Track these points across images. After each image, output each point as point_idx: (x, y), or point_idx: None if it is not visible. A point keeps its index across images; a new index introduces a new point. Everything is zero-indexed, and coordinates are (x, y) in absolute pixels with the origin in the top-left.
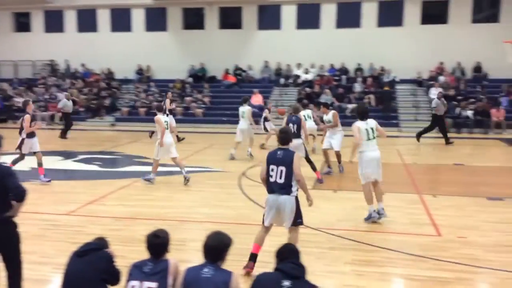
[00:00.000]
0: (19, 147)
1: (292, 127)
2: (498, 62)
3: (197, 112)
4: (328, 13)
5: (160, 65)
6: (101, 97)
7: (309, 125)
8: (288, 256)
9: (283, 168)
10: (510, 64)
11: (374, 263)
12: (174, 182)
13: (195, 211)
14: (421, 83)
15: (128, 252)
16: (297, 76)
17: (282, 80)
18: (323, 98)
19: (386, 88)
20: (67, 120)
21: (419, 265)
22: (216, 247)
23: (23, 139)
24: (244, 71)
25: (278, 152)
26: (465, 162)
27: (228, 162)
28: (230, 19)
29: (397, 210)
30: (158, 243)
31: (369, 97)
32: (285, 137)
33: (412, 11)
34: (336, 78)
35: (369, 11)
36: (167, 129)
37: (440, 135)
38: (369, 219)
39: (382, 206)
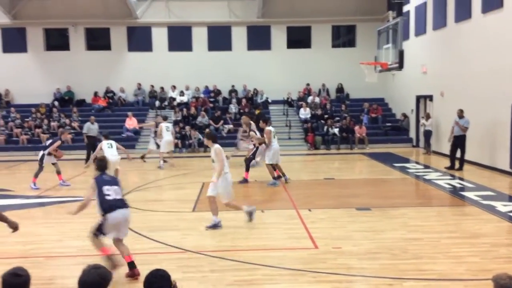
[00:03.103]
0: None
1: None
2: (357, 83)
3: (66, 138)
4: (200, 36)
5: (21, 89)
6: None
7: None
8: (161, 283)
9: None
10: (367, 85)
11: (255, 281)
12: (36, 215)
13: (65, 244)
14: (291, 104)
15: None
16: (173, 99)
17: (157, 103)
18: (199, 120)
19: (258, 111)
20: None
21: (298, 279)
22: (96, 283)
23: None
24: (114, 94)
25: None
26: (335, 176)
27: None
28: (98, 40)
29: (276, 226)
30: (19, 283)
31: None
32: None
33: (278, 35)
34: (211, 99)
35: (239, 35)
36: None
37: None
38: (214, 227)
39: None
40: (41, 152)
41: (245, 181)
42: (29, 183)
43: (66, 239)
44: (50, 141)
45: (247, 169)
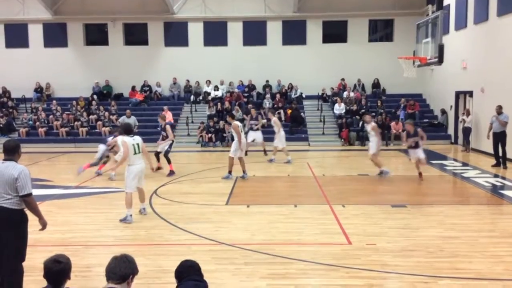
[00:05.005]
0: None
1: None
2: (394, 78)
3: (104, 131)
4: (235, 30)
5: (61, 82)
6: None
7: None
8: (188, 273)
9: None
10: (405, 80)
11: (289, 275)
12: (75, 205)
13: (102, 234)
14: (326, 99)
15: (26, 283)
16: (207, 93)
17: (192, 97)
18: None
19: (290, 111)
20: None
21: (331, 274)
22: (124, 273)
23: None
24: (151, 88)
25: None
26: (369, 173)
27: None
28: (136, 35)
29: (309, 221)
30: (59, 269)
31: (279, 112)
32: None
33: (314, 30)
34: (246, 94)
35: (274, 30)
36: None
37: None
38: (124, 220)
39: (144, 207)
40: (102, 146)
41: (172, 173)
42: (77, 168)
43: (103, 229)
44: (111, 137)
45: (169, 161)
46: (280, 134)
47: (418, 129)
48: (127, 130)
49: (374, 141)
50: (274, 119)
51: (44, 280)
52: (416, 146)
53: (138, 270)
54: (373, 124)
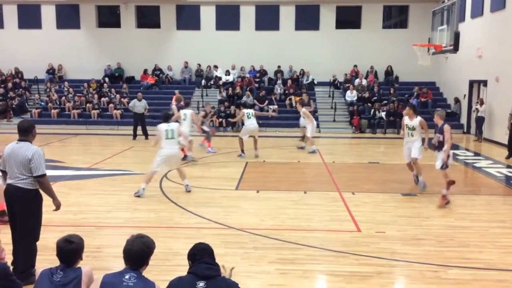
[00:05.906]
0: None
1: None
2: (407, 66)
3: (115, 114)
4: (247, 15)
5: (73, 64)
6: (8, 98)
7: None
8: (201, 256)
9: None
10: (418, 68)
11: (297, 261)
12: (87, 186)
13: (113, 215)
14: (337, 86)
15: (38, 262)
16: (219, 78)
17: (203, 82)
18: (244, 100)
19: (297, 98)
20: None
21: (340, 261)
22: (140, 252)
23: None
24: (162, 72)
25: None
26: (380, 161)
27: (149, 164)
28: (148, 18)
29: (319, 207)
30: (70, 249)
31: (290, 98)
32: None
33: (327, 15)
34: (257, 80)
35: (287, 15)
36: None
37: None
38: (137, 193)
39: (188, 183)
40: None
41: (186, 157)
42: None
43: (114, 210)
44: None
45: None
46: (313, 124)
47: (445, 125)
48: (165, 118)
49: (419, 141)
50: (303, 110)
51: (57, 259)
52: (440, 146)
53: (155, 247)
54: (420, 118)
